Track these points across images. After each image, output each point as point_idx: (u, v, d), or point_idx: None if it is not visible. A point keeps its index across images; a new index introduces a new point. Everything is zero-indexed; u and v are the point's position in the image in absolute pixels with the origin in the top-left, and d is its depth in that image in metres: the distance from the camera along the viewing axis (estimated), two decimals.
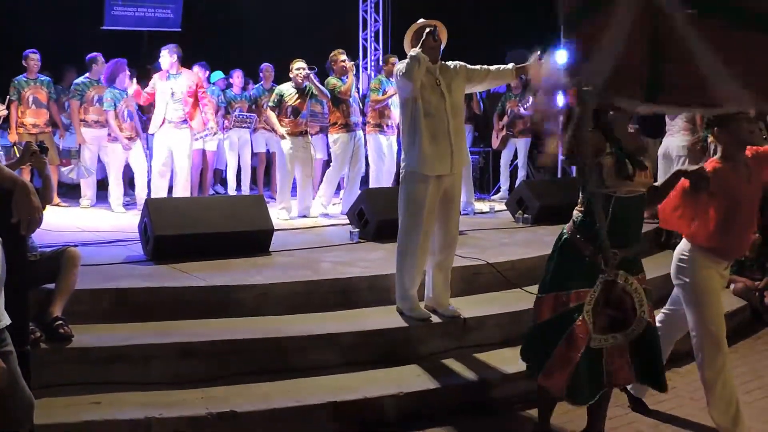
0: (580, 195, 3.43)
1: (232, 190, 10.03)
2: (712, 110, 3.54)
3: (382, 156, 8.82)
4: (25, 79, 8.83)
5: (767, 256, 6.63)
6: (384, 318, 4.88)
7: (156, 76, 8.11)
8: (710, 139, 6.83)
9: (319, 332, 4.60)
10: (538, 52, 3.51)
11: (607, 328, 3.35)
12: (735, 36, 3.08)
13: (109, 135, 8.69)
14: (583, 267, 3.34)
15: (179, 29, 11.17)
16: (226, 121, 9.72)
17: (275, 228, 6.20)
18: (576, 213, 3.43)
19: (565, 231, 3.48)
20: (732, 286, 6.53)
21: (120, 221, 7.82)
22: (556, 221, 6.00)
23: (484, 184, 11.04)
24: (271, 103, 8.38)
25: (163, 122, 7.97)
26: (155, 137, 8.18)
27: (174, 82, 7.95)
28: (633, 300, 3.38)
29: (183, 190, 8.11)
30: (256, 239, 5.93)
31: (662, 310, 4.28)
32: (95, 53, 9.14)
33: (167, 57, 7.96)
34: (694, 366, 5.19)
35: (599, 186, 3.25)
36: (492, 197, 10.43)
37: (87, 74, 9.08)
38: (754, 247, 6.54)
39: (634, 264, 3.47)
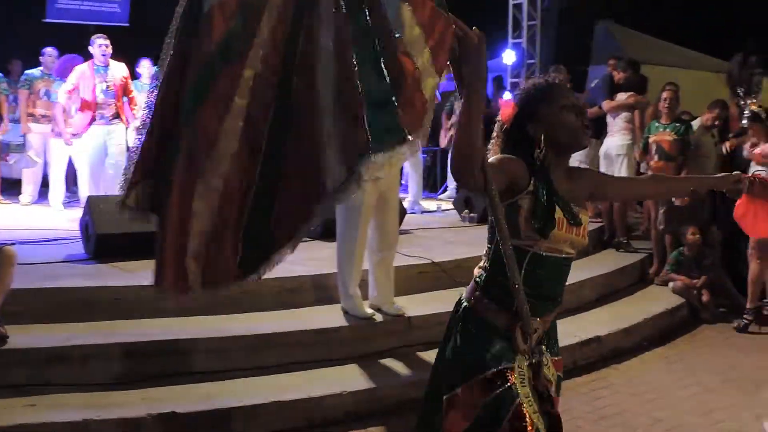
0: (486, 246, 2.41)
1: None
2: None
3: None
4: None
5: (704, 255, 6.80)
6: (328, 316, 4.87)
7: (84, 68, 7.78)
8: (651, 139, 7.04)
9: (264, 332, 4.59)
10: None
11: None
12: None
13: (53, 130, 8.53)
14: (497, 341, 2.31)
15: (127, 24, 11.00)
16: None
17: None
18: (478, 271, 2.42)
19: (463, 298, 2.45)
20: (671, 285, 6.70)
21: (60, 220, 7.63)
22: None
23: (432, 183, 11.07)
24: None
25: (93, 120, 7.69)
26: (87, 134, 7.82)
27: (104, 74, 7.69)
28: (548, 388, 2.36)
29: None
30: None
31: None
32: (49, 47, 8.97)
33: (99, 48, 7.71)
34: (633, 362, 5.37)
35: (514, 236, 2.25)
36: (439, 196, 10.48)
37: (41, 67, 8.91)
38: (692, 246, 6.72)
39: (553, 338, 2.49)
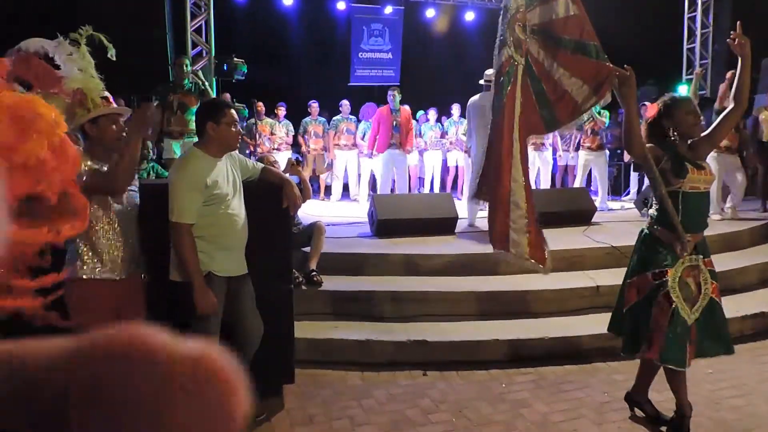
0: (653, 197, 2.91)
1: (428, 190, 9.92)
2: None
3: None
4: (310, 119, 9.32)
5: None
6: (533, 282, 4.61)
7: (383, 110, 7.77)
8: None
9: (489, 290, 4.47)
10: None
11: (689, 303, 2.77)
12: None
13: (360, 152, 8.99)
14: (663, 252, 2.80)
15: (398, 83, 11.41)
16: (424, 144, 9.72)
17: (459, 216, 6.08)
18: (652, 211, 2.90)
19: (645, 227, 2.95)
20: None
21: (356, 210, 7.90)
22: None
23: (618, 188, 10.17)
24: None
25: (389, 146, 7.66)
26: (383, 156, 7.76)
27: (396, 115, 7.65)
28: (700, 279, 2.81)
29: (399, 189, 7.88)
30: (445, 223, 5.86)
31: None
32: (344, 100, 9.36)
33: (396, 98, 7.70)
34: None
35: (667, 185, 2.77)
36: (623, 198, 9.58)
37: (341, 114, 9.31)
38: None
39: (704, 248, 2.88)
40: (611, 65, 2.91)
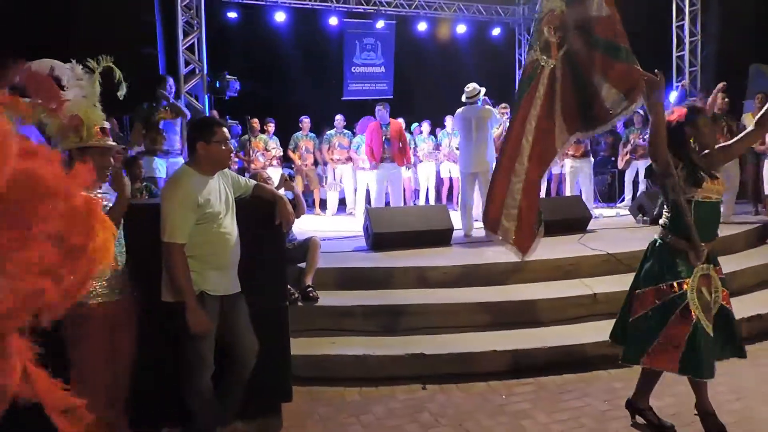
0: (665, 205, 2.90)
1: (423, 203, 9.87)
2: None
3: None
4: (301, 135, 9.38)
5: None
6: (529, 291, 4.60)
7: (374, 125, 7.63)
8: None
9: (482, 300, 4.45)
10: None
11: (707, 314, 2.77)
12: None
13: (354, 165, 9.00)
14: (678, 261, 2.77)
15: (391, 96, 11.46)
16: (416, 157, 9.71)
17: (454, 228, 6.07)
18: (663, 220, 2.88)
19: (657, 236, 2.91)
20: None
21: (351, 224, 7.88)
22: None
23: (612, 195, 10.18)
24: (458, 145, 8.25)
25: (382, 160, 7.50)
26: (378, 171, 7.59)
27: (385, 129, 7.52)
28: (712, 288, 2.81)
29: (394, 203, 7.77)
30: (441, 235, 5.85)
31: None
32: (338, 115, 9.38)
33: (384, 112, 7.55)
34: None
35: (681, 194, 2.76)
36: (618, 205, 9.59)
37: (335, 128, 9.32)
38: None
39: (713, 257, 2.88)
40: (641, 69, 2.91)
